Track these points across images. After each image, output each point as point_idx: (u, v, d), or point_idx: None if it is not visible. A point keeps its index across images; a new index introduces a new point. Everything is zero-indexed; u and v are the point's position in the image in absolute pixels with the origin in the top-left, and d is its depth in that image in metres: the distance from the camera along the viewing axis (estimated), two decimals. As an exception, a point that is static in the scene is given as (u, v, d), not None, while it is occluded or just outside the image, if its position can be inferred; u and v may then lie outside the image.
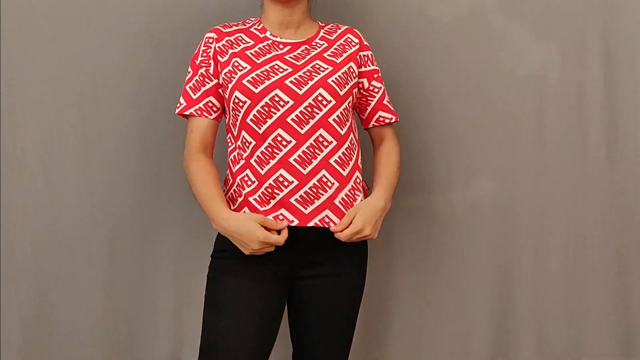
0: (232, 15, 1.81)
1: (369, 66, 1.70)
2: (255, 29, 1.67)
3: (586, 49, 1.96)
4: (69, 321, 1.94)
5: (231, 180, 1.63)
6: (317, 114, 1.56)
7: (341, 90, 1.59)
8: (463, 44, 1.94)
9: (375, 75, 1.71)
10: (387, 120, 1.73)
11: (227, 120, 1.67)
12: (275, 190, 1.55)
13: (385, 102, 1.73)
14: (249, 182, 1.58)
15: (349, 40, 1.68)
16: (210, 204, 1.57)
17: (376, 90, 1.71)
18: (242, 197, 1.59)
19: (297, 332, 1.69)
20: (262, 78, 1.56)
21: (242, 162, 1.60)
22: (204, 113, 1.62)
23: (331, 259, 1.60)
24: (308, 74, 1.58)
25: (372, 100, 1.71)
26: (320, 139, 1.56)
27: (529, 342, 2.02)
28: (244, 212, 1.58)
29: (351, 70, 1.64)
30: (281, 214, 1.55)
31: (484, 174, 1.99)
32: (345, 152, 1.59)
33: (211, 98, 1.63)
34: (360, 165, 1.67)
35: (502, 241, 2.00)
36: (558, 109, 1.97)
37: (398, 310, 2.01)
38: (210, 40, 1.64)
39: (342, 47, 1.66)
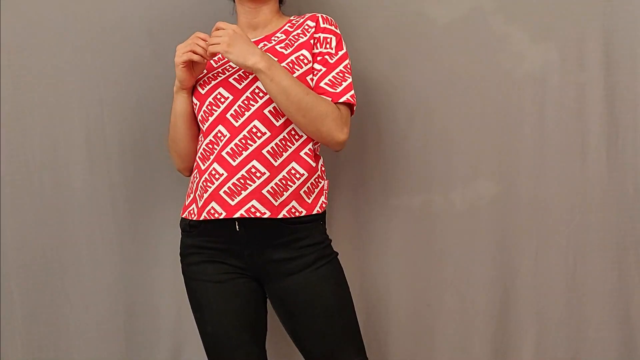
0: (233, 19, 1.84)
1: (318, 48, 1.65)
2: None
3: (586, 50, 1.95)
4: (72, 322, 1.96)
5: (191, 177, 1.72)
6: (253, 106, 1.58)
7: None
8: (462, 45, 1.94)
9: (319, 58, 1.64)
10: None
11: None
12: (208, 184, 1.58)
13: (323, 84, 1.62)
14: (196, 178, 1.65)
15: (306, 27, 1.66)
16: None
17: (315, 72, 1.63)
18: (193, 194, 1.66)
19: (294, 339, 1.68)
20: (210, 80, 1.64)
21: (195, 160, 1.68)
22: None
23: (289, 258, 1.59)
24: None
25: (311, 82, 1.65)
26: (254, 129, 1.57)
27: (529, 344, 2.02)
28: (191, 210, 1.65)
29: (301, 58, 1.62)
30: (212, 207, 1.57)
31: (483, 175, 1.99)
32: (280, 143, 1.58)
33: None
34: (307, 158, 1.62)
35: (502, 242, 2.00)
36: (558, 110, 1.97)
37: (397, 311, 2.01)
38: None
39: (296, 36, 1.65)
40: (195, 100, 1.65)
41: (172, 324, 1.99)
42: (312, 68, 1.64)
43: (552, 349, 2.01)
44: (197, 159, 1.65)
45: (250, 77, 1.59)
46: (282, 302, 1.63)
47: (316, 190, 1.63)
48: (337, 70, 1.63)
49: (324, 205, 1.65)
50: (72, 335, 1.95)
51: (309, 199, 1.62)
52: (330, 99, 1.60)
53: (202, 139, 1.64)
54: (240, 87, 1.59)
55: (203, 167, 1.61)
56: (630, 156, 1.98)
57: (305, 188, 1.60)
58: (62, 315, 1.95)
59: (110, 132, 1.95)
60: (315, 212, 1.62)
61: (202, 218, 1.59)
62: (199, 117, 1.65)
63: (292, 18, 1.73)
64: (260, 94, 1.58)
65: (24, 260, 1.95)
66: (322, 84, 1.62)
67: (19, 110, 1.93)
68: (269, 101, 1.57)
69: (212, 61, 1.68)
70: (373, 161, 1.98)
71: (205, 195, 1.58)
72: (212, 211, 1.57)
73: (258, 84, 1.58)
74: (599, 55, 1.95)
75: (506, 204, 2.00)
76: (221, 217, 1.56)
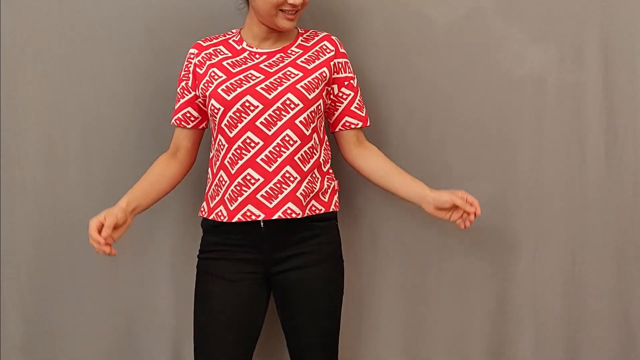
0: (231, 17, 1.84)
1: (342, 73, 1.77)
2: (233, 40, 1.77)
3: (584, 50, 1.96)
4: (71, 320, 1.96)
5: (210, 180, 1.75)
6: (285, 116, 1.66)
7: (310, 94, 1.68)
8: (461, 45, 1.94)
9: (346, 83, 1.77)
10: (352, 126, 1.79)
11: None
12: (243, 188, 1.67)
13: (353, 108, 1.78)
14: (223, 182, 1.70)
15: (324, 47, 1.75)
16: None
17: (344, 97, 1.77)
18: (219, 197, 1.71)
19: (285, 328, 1.78)
20: (235, 86, 1.67)
21: (217, 163, 1.72)
22: (182, 123, 1.78)
23: (302, 252, 1.71)
24: (278, 80, 1.68)
25: (339, 106, 1.78)
26: (287, 138, 1.66)
27: (527, 344, 2.03)
28: (218, 212, 1.70)
29: (323, 75, 1.72)
30: (248, 210, 1.66)
31: (482, 176, 1.99)
32: (308, 151, 1.69)
33: (189, 109, 1.77)
34: (322, 161, 1.75)
35: (501, 242, 2.01)
36: (556, 110, 1.97)
37: (395, 311, 2.02)
38: (192, 56, 1.76)
39: (316, 53, 1.74)
40: (217, 105, 1.67)
41: (171, 322, 1.99)
42: (332, 90, 1.76)
43: (550, 348, 2.02)
44: (226, 163, 1.69)
45: (280, 88, 1.66)
46: (283, 291, 1.73)
47: (329, 190, 1.76)
48: (359, 94, 1.80)
49: (337, 203, 1.78)
50: (72, 334, 1.95)
51: (324, 197, 1.74)
52: (360, 123, 1.78)
53: (225, 144, 1.69)
54: (270, 97, 1.65)
55: (232, 172, 1.68)
56: (629, 156, 1.99)
57: (323, 189, 1.73)
58: (61, 314, 1.95)
59: (107, 129, 1.95)
60: (331, 209, 1.75)
61: (235, 220, 1.66)
62: (224, 122, 1.68)
63: (301, 32, 1.79)
64: (292, 105, 1.66)
65: (22, 259, 1.94)
66: (352, 108, 1.78)
67: (16, 106, 1.92)
68: (301, 112, 1.67)
69: (228, 65, 1.71)
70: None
71: (240, 199, 1.67)
72: (249, 213, 1.66)
73: (288, 95, 1.65)
74: (598, 55, 1.96)
75: (504, 205, 2.00)
76: (259, 219, 1.66)
